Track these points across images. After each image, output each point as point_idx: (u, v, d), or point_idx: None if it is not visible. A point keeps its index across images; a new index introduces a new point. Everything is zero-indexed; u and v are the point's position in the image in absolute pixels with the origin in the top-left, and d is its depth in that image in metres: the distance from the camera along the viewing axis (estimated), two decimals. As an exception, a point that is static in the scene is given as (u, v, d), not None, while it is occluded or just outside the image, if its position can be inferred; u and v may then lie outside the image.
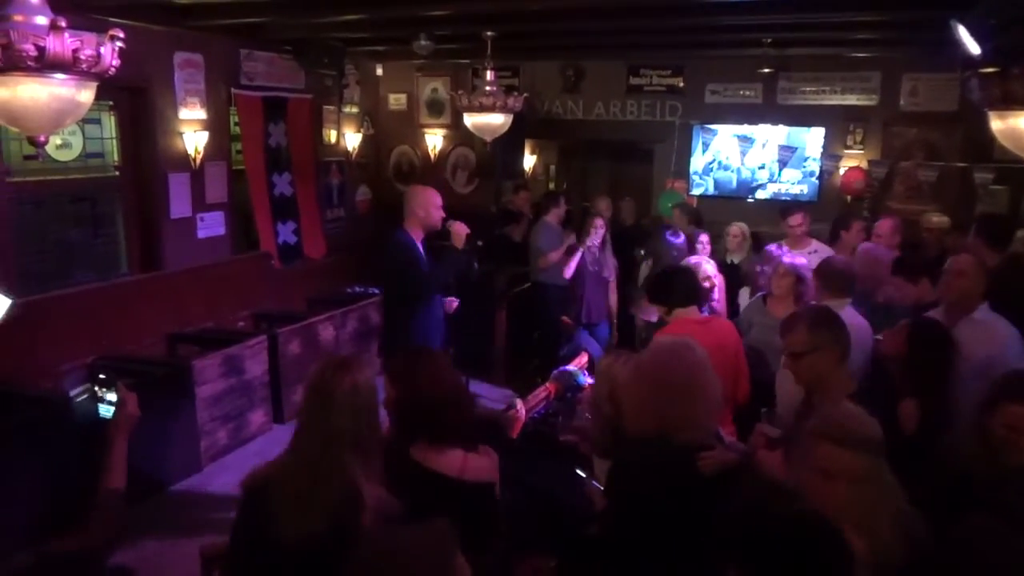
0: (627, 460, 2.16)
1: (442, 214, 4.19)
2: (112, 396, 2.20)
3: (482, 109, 5.59)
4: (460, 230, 4.12)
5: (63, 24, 2.34)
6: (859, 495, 1.70)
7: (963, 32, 3.44)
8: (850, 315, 3.35)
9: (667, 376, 2.10)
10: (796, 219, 5.35)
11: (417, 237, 4.20)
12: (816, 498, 1.72)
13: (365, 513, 1.90)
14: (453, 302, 4.28)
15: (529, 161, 9.33)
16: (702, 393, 2.10)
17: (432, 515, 1.50)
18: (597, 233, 5.85)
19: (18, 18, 2.34)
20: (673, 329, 3.30)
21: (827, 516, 1.68)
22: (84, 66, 2.41)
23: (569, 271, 5.79)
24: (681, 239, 5.53)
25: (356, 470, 1.95)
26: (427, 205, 4.20)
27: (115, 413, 2.17)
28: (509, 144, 7.20)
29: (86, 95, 2.53)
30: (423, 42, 6.07)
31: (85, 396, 2.24)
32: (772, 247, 5.18)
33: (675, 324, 3.37)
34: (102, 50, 2.45)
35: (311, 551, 1.86)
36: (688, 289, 3.46)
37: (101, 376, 2.22)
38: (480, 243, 4.21)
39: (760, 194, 7.45)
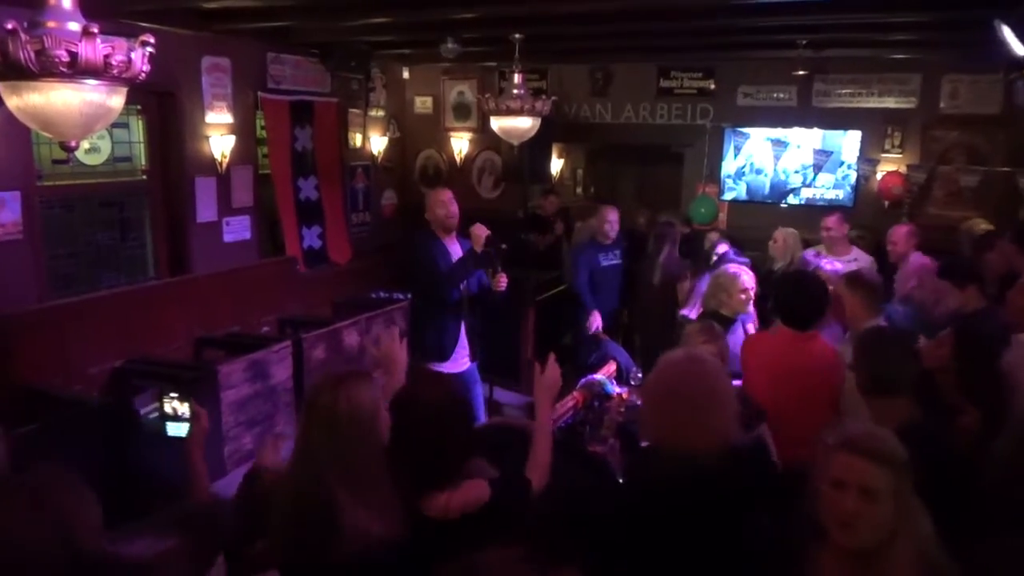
0: (646, 472, 2.17)
1: (448, 211, 4.25)
2: (185, 412, 2.27)
3: (509, 112, 5.59)
4: (479, 232, 4.18)
5: (95, 30, 2.39)
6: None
7: (1008, 33, 3.38)
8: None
9: (676, 390, 2.10)
10: (830, 221, 5.24)
11: (443, 238, 4.26)
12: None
13: (339, 545, 1.83)
14: (503, 280, 4.32)
15: (556, 165, 9.33)
16: (708, 405, 2.07)
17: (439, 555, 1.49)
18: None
19: (51, 24, 2.40)
20: (766, 339, 3.28)
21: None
22: (115, 71, 2.46)
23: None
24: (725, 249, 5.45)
25: (343, 497, 1.85)
26: (432, 206, 4.35)
27: (190, 429, 2.25)
28: (536, 148, 7.21)
29: (117, 100, 2.58)
30: (450, 45, 6.10)
31: (155, 414, 2.34)
32: (809, 253, 5.11)
33: (775, 334, 3.33)
34: (133, 55, 2.50)
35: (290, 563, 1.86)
36: (812, 308, 3.29)
37: (173, 394, 2.30)
38: (504, 246, 4.26)
39: (794, 199, 7.37)
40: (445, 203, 4.27)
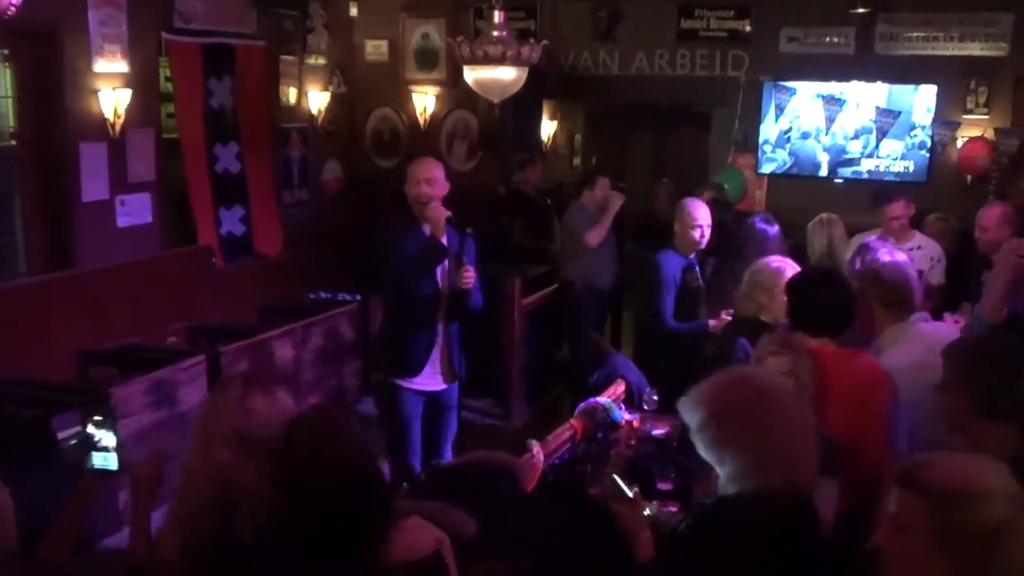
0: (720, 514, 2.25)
1: (424, 190, 4.29)
2: (110, 441, 2.31)
3: (487, 61, 5.59)
4: (437, 213, 4.22)
5: (-51, -50, 2.37)
6: (901, 544, 1.81)
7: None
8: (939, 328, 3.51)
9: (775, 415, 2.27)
10: (898, 208, 5.35)
11: (423, 224, 4.34)
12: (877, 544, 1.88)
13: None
14: (469, 275, 4.33)
15: (548, 129, 9.35)
16: (801, 434, 2.26)
17: None
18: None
19: None
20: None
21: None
22: (-24, 5, 2.44)
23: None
24: (776, 230, 5.48)
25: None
26: (407, 180, 4.37)
27: (119, 461, 2.36)
28: (522, 107, 7.21)
29: (-22, 42, 2.57)
30: (411, -27, 6.10)
31: (75, 441, 2.38)
32: (872, 239, 5.17)
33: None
34: (-1, -16, 2.49)
35: None
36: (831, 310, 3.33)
37: (97, 417, 2.33)
38: (469, 231, 4.33)
39: (851, 172, 7.43)
40: (419, 180, 4.30)
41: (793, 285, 3.56)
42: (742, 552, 2.14)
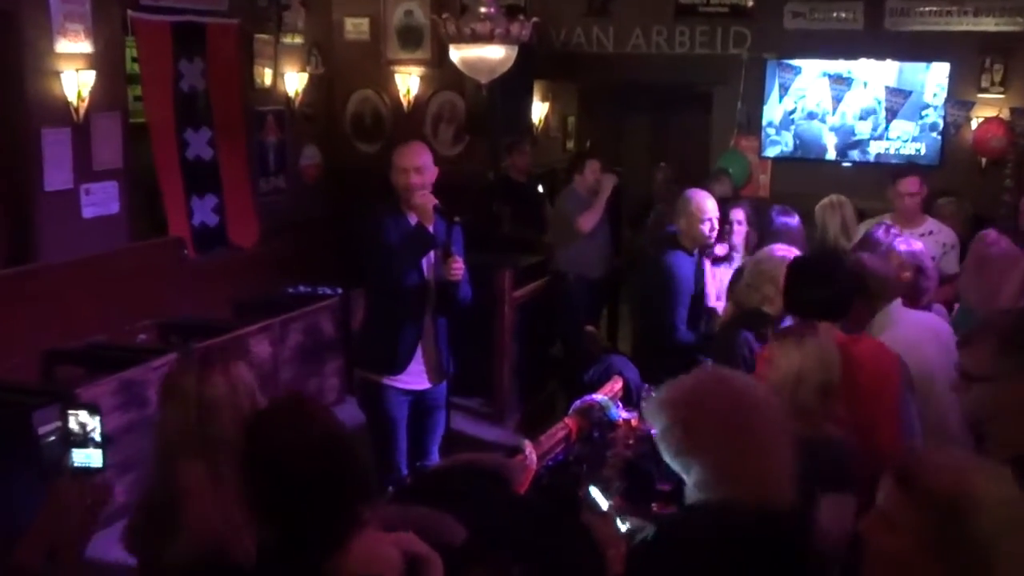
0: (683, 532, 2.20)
1: (414, 180, 4.28)
2: (97, 431, 2.28)
3: (475, 39, 5.59)
4: (424, 201, 4.21)
5: None
6: (886, 540, 1.80)
7: None
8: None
9: (749, 423, 2.18)
10: (911, 184, 5.33)
11: (408, 214, 4.34)
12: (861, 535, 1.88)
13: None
14: (458, 266, 4.32)
15: (539, 111, 9.35)
16: (778, 444, 2.19)
17: None
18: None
19: None
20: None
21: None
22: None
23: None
24: (796, 221, 5.47)
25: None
26: (393, 169, 4.36)
27: (104, 457, 2.28)
28: (512, 87, 7.19)
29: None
30: (393, -54, 6.08)
31: (54, 438, 2.36)
32: (879, 229, 5.18)
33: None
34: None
35: None
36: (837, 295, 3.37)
37: (80, 412, 2.29)
38: (457, 219, 4.32)
39: (859, 155, 7.44)
40: (405, 169, 4.28)
41: (792, 269, 3.59)
42: (705, 567, 2.11)
